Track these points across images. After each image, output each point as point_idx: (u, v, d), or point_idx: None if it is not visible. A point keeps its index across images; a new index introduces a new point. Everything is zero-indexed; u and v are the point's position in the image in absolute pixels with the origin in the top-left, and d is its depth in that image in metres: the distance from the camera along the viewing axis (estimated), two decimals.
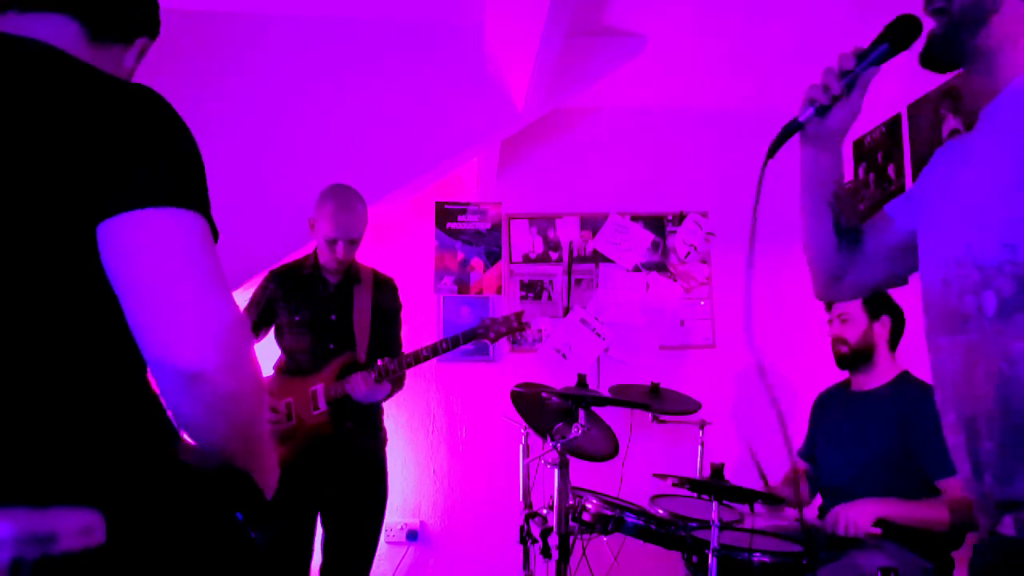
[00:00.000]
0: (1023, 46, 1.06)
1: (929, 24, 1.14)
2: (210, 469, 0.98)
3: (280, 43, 3.12)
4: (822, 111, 1.19)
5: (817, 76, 1.20)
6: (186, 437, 1.02)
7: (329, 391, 2.49)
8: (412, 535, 3.66)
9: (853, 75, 1.17)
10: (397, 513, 3.63)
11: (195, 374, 0.86)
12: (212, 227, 0.94)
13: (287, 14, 3.10)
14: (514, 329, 2.55)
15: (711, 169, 3.95)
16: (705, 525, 2.18)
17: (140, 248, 0.86)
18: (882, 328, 2.47)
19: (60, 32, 0.99)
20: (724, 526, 2.02)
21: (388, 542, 3.61)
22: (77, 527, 0.71)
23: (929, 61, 1.15)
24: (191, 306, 0.86)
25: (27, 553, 0.65)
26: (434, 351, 2.48)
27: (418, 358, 2.48)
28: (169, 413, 0.97)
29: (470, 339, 2.51)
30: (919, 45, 1.16)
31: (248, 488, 0.99)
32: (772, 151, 1.21)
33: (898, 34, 1.16)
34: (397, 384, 2.61)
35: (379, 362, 2.47)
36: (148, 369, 0.97)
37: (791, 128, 1.21)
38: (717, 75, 3.55)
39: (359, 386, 2.44)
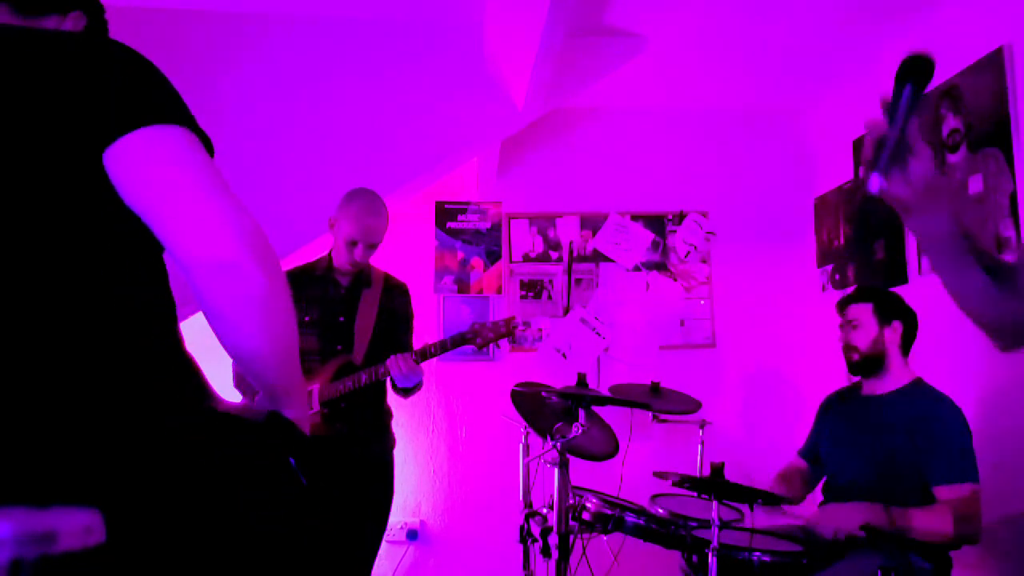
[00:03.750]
0: None
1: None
2: (255, 417, 1.00)
3: (280, 43, 3.12)
4: (888, 172, 1.08)
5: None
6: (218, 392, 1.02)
7: (323, 392, 2.49)
8: (412, 535, 3.67)
9: (900, 131, 1.07)
10: (397, 513, 3.63)
11: (227, 263, 0.90)
12: (206, 141, 0.98)
13: (287, 14, 3.10)
14: (502, 335, 2.53)
15: (711, 169, 3.95)
16: (705, 524, 2.18)
17: (146, 162, 0.92)
18: (893, 334, 2.43)
19: None
20: (724, 525, 2.02)
21: (388, 542, 3.61)
22: (77, 527, 0.71)
23: None
24: (211, 204, 0.91)
25: (27, 553, 0.65)
26: (422, 355, 2.47)
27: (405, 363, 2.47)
28: (203, 372, 0.99)
29: (458, 344, 2.49)
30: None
31: (294, 431, 1.00)
32: (858, 227, 1.03)
33: (916, 75, 1.06)
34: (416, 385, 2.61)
35: (363, 377, 2.47)
36: (177, 324, 1.00)
37: (866, 205, 1.05)
38: (717, 75, 3.55)
39: (397, 365, 2.42)
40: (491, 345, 3.62)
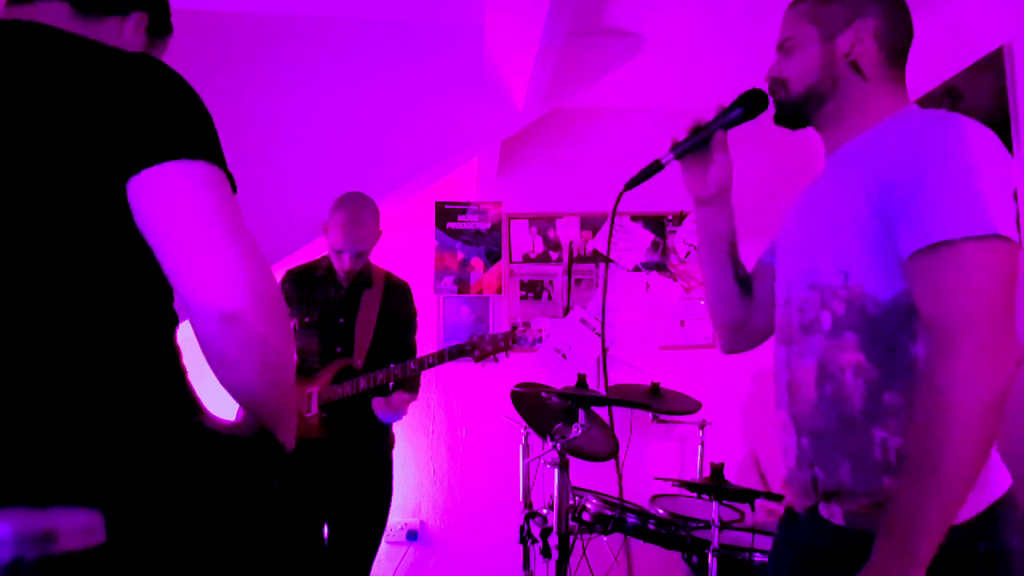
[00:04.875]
0: (863, 111, 1.24)
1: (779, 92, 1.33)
2: (241, 436, 1.00)
3: (280, 43, 3.11)
4: (680, 156, 1.41)
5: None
6: (209, 409, 1.03)
7: (323, 395, 2.49)
8: (412, 535, 3.66)
9: (708, 131, 1.39)
10: (397, 513, 3.63)
11: (230, 314, 0.89)
12: (230, 178, 0.98)
13: (287, 14, 3.10)
14: (500, 349, 2.52)
15: None
16: (705, 525, 2.18)
17: (165, 200, 0.91)
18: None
19: (52, 14, 1.04)
20: (724, 526, 2.02)
21: (388, 542, 3.61)
22: (77, 527, 0.71)
23: (782, 121, 1.35)
24: (223, 251, 0.90)
25: (27, 553, 0.65)
26: (421, 365, 2.47)
27: (405, 371, 2.47)
28: (192, 380, 0.99)
29: (456, 356, 2.48)
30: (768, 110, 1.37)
31: (277, 449, 1.00)
32: (629, 185, 1.42)
33: (750, 104, 1.37)
34: (415, 390, 2.63)
35: (362, 383, 2.50)
36: (175, 337, 1.00)
37: (651, 168, 1.40)
38: (717, 75, 3.54)
39: (382, 411, 2.50)
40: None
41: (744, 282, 1.47)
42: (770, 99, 1.34)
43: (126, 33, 1.14)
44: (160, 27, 1.20)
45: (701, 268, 1.51)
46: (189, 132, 0.95)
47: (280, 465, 1.00)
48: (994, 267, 1.01)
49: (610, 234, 1.42)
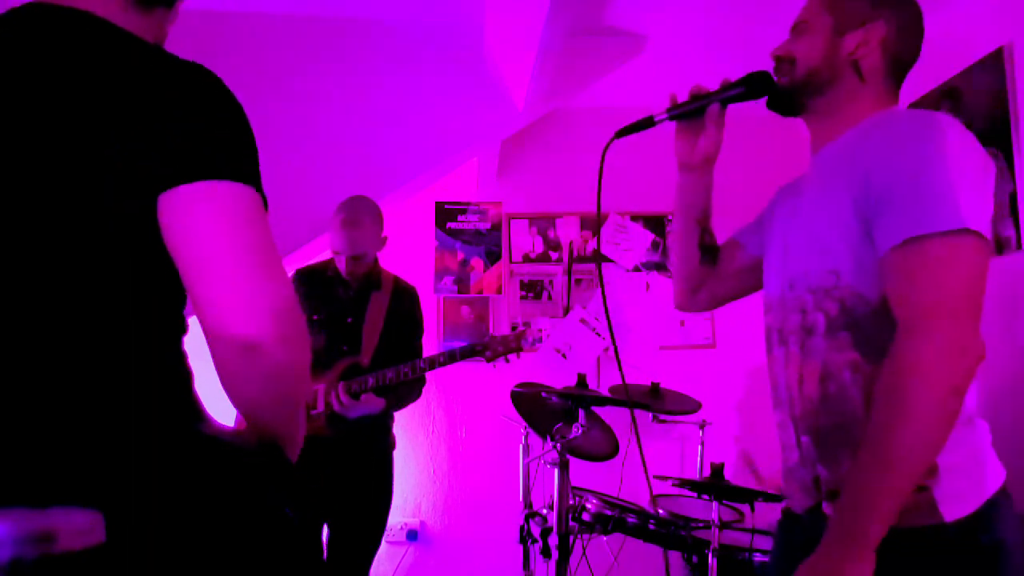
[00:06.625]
0: (851, 112, 1.25)
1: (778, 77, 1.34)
2: (243, 444, 0.98)
3: (280, 43, 3.11)
4: (674, 117, 1.42)
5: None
6: (213, 416, 1.02)
7: (329, 392, 2.50)
8: (412, 535, 3.66)
9: (704, 102, 1.40)
10: (397, 513, 3.63)
11: (253, 344, 0.86)
12: (264, 200, 0.95)
13: (287, 14, 3.10)
14: (512, 349, 2.52)
15: None
16: (705, 525, 2.18)
17: (200, 220, 0.87)
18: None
19: (107, 2, 0.98)
20: (724, 526, 2.02)
21: (388, 542, 3.61)
22: (77, 527, 0.71)
23: (776, 105, 1.36)
24: (249, 278, 0.87)
25: (27, 552, 0.65)
26: (431, 364, 2.47)
27: (415, 369, 2.46)
28: (197, 393, 0.97)
29: (467, 355, 2.47)
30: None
31: (281, 460, 0.98)
32: (620, 134, 1.42)
33: (754, 85, 1.35)
34: (399, 401, 2.59)
35: (370, 380, 2.46)
36: (182, 344, 0.97)
37: (644, 122, 1.42)
38: (717, 75, 3.54)
39: (336, 399, 2.44)
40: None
41: (708, 250, 1.51)
42: (774, 83, 1.34)
43: (168, 23, 1.10)
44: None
45: (673, 230, 1.57)
46: (227, 151, 0.91)
47: (287, 486, 0.98)
48: (962, 261, 1.03)
49: (599, 193, 1.43)
